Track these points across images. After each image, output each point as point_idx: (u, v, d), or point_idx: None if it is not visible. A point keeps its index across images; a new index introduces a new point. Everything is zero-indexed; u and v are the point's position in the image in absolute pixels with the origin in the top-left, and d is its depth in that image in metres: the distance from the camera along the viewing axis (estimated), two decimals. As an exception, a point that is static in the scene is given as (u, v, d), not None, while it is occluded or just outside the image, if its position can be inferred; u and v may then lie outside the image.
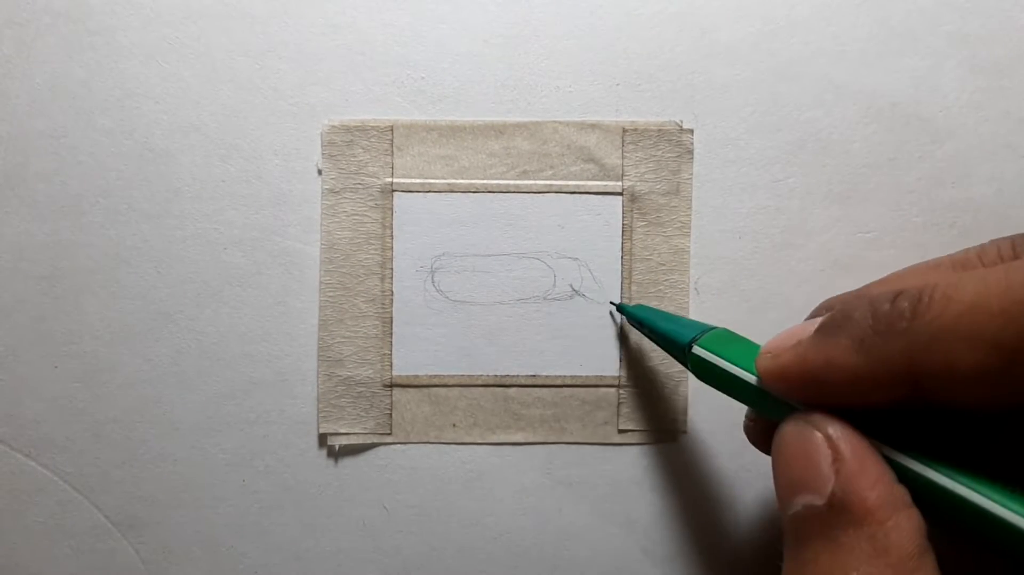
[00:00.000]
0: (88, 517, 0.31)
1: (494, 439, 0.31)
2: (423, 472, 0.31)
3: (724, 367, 0.24)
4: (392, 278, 0.31)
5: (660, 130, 0.31)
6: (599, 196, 0.31)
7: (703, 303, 0.31)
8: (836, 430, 0.20)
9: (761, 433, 0.26)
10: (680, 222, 0.31)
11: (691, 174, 0.31)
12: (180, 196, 0.31)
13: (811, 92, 0.31)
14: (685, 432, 0.31)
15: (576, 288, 0.31)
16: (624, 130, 0.31)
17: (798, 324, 0.22)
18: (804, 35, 0.31)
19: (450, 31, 0.31)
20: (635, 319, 0.30)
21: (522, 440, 0.31)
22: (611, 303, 0.31)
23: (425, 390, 0.31)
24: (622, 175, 0.31)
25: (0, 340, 0.31)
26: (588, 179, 0.31)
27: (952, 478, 0.18)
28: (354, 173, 0.31)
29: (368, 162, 0.31)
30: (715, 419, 0.31)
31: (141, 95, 0.31)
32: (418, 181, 0.31)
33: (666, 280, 0.31)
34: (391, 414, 0.31)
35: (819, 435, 0.20)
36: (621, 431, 0.31)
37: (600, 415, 0.31)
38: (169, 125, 0.31)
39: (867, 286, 0.25)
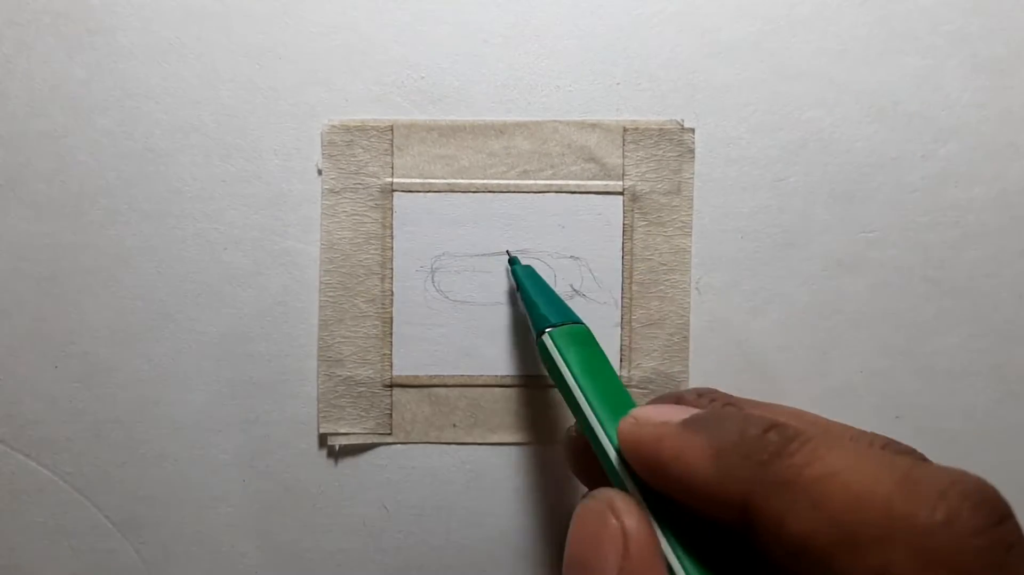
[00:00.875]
0: (88, 517, 0.31)
1: (494, 439, 0.31)
2: (423, 472, 0.31)
3: (562, 370, 0.24)
4: (392, 278, 0.31)
5: (661, 129, 0.31)
6: (600, 196, 0.31)
7: (704, 303, 0.31)
8: (633, 524, 0.19)
9: (577, 455, 0.26)
10: (681, 222, 0.31)
11: (692, 173, 0.31)
12: (180, 196, 0.31)
13: (812, 91, 0.31)
14: (686, 432, 0.31)
15: (576, 288, 0.31)
16: (625, 129, 0.31)
17: (675, 406, 0.22)
18: (805, 34, 0.31)
19: (450, 31, 0.31)
20: (516, 280, 0.30)
21: (521, 440, 0.31)
22: (507, 251, 0.31)
23: (425, 390, 0.31)
24: (623, 175, 0.31)
25: (0, 340, 0.31)
26: (589, 179, 0.31)
27: None
28: (354, 173, 0.31)
29: (368, 162, 0.31)
30: (716, 419, 0.31)
31: (141, 95, 0.31)
32: (418, 181, 0.31)
33: (667, 280, 0.31)
34: (391, 414, 0.31)
35: (615, 524, 0.19)
36: (622, 431, 0.31)
37: (601, 415, 0.31)
38: (169, 125, 0.31)
39: (759, 405, 0.24)
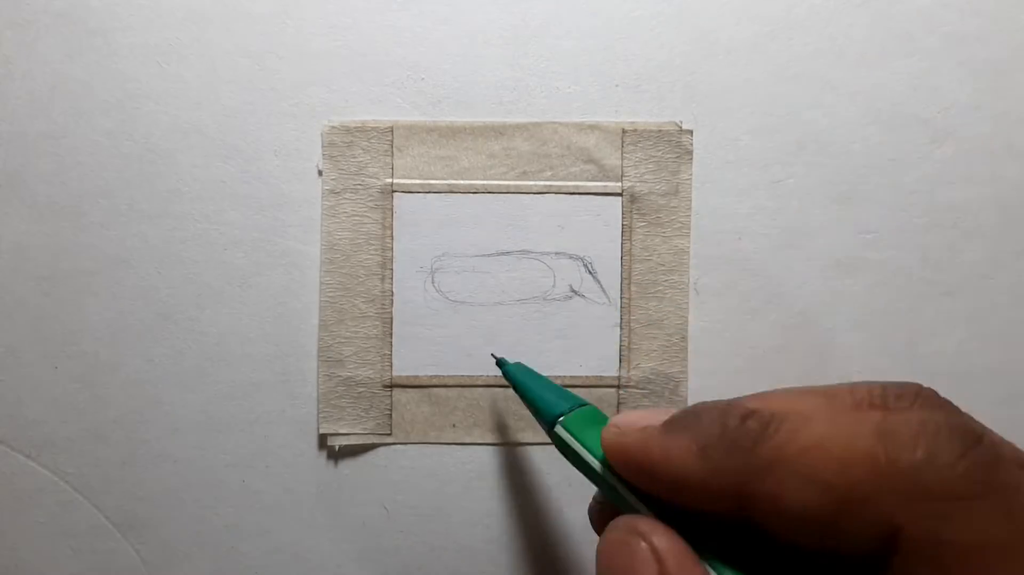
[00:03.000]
0: (88, 517, 0.31)
1: (494, 439, 0.31)
2: (423, 472, 0.31)
3: (579, 451, 0.23)
4: (392, 278, 0.31)
5: (659, 131, 0.31)
6: (599, 197, 0.31)
7: (703, 304, 0.31)
8: (662, 541, 0.19)
9: (604, 520, 0.26)
10: (680, 222, 0.31)
11: (690, 175, 0.32)
12: (180, 197, 0.31)
13: (810, 93, 0.31)
14: (685, 432, 0.31)
15: (576, 288, 0.31)
16: (624, 131, 0.31)
17: (652, 410, 0.22)
18: (803, 36, 0.31)
19: (450, 32, 0.31)
20: (511, 380, 0.28)
21: (522, 440, 0.31)
22: (492, 355, 0.30)
23: (425, 390, 0.31)
24: (622, 176, 0.31)
25: (0, 340, 0.31)
26: (588, 180, 0.31)
27: None
28: (354, 174, 0.31)
29: (368, 163, 0.31)
30: (715, 419, 0.31)
31: (141, 96, 0.31)
32: (418, 182, 0.31)
33: (665, 280, 0.31)
34: (391, 414, 0.31)
35: (644, 546, 0.19)
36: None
37: (600, 415, 0.31)
38: (169, 126, 0.31)
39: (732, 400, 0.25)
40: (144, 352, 0.31)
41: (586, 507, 0.30)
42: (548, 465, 0.31)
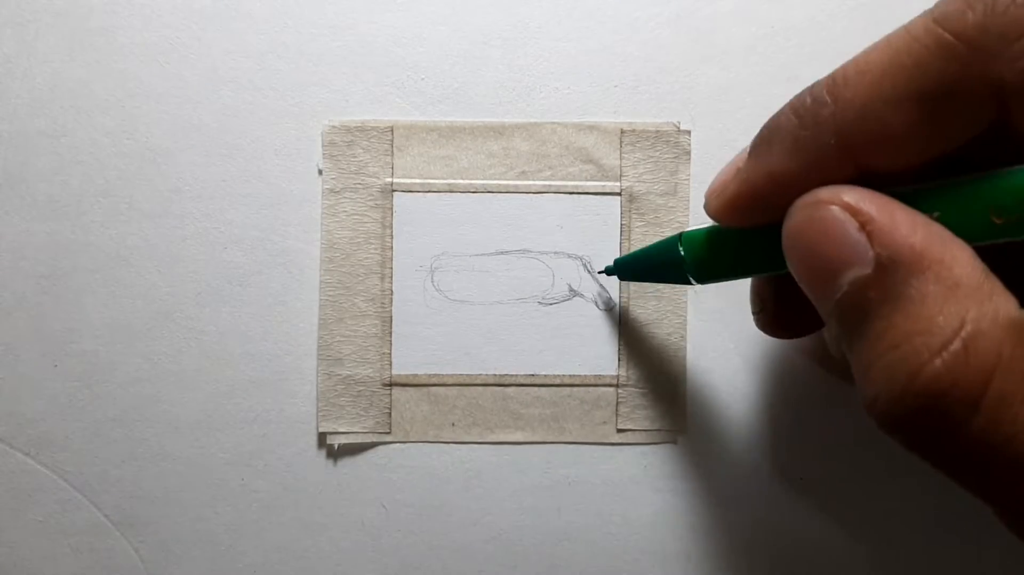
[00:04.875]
0: (88, 516, 0.31)
1: (493, 439, 0.31)
2: (422, 471, 0.31)
3: (717, 238, 0.23)
4: (392, 278, 0.31)
5: (658, 131, 0.32)
6: (597, 196, 0.32)
7: (702, 303, 0.32)
8: (849, 194, 0.18)
9: (772, 319, 0.26)
10: (677, 222, 0.32)
11: (688, 175, 0.32)
12: (180, 196, 0.31)
13: (808, 94, 0.32)
14: (684, 432, 0.32)
15: (575, 288, 0.32)
16: (622, 131, 0.32)
17: (723, 167, 0.22)
18: (800, 38, 0.32)
19: (450, 32, 0.31)
20: (627, 267, 0.29)
21: (521, 439, 0.31)
22: (599, 272, 0.31)
23: (424, 389, 0.31)
24: (620, 176, 0.32)
25: (0, 339, 0.31)
26: (586, 179, 0.32)
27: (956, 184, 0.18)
28: (354, 173, 0.31)
29: (368, 162, 0.31)
30: (715, 419, 0.31)
31: (142, 95, 0.31)
32: (418, 181, 0.31)
33: (664, 280, 0.32)
34: (390, 413, 0.31)
35: (834, 208, 0.18)
36: (620, 431, 0.31)
37: (599, 415, 0.31)
38: (169, 125, 0.31)
39: None
40: (144, 351, 0.31)
41: (585, 507, 0.30)
42: (548, 465, 0.31)
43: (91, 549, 0.31)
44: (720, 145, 0.32)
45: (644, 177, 0.32)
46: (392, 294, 0.31)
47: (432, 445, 0.31)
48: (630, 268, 0.29)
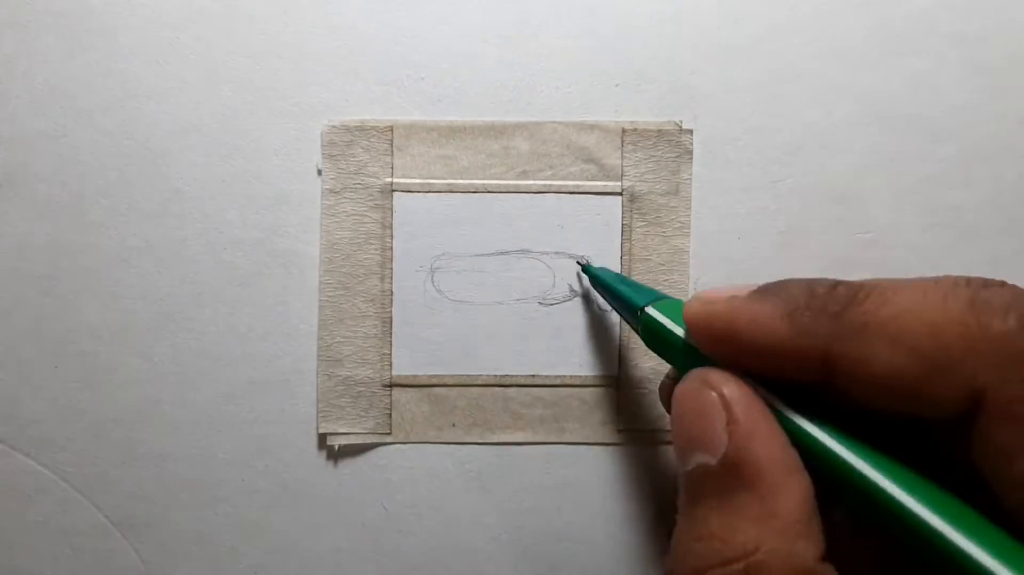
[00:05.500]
0: (88, 517, 0.31)
1: (493, 439, 0.31)
2: (423, 472, 0.31)
3: (670, 328, 0.24)
4: (392, 278, 0.31)
5: (659, 130, 0.31)
6: (598, 196, 0.31)
7: (703, 303, 0.31)
8: (731, 390, 0.20)
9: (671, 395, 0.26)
10: (679, 222, 0.31)
11: (690, 174, 0.32)
12: (180, 196, 0.31)
13: (810, 92, 0.31)
14: (684, 432, 0.31)
15: (575, 288, 0.31)
16: (623, 130, 0.31)
17: (734, 285, 0.22)
18: (803, 36, 0.31)
19: (450, 31, 0.31)
20: (597, 281, 0.30)
21: (521, 440, 0.31)
22: (577, 262, 0.31)
23: (425, 390, 0.31)
24: (621, 175, 0.31)
25: (0, 340, 0.31)
26: (587, 179, 0.31)
27: (840, 442, 0.18)
28: (354, 173, 0.31)
29: (368, 162, 0.31)
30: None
31: (141, 95, 0.31)
32: (418, 181, 0.31)
33: (665, 280, 0.31)
34: (391, 414, 0.31)
35: (714, 395, 0.20)
36: (620, 431, 0.31)
37: (599, 415, 0.31)
38: (169, 125, 0.31)
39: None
40: (144, 351, 0.31)
41: (586, 507, 0.30)
42: (548, 465, 0.31)
43: (91, 550, 0.31)
44: (722, 144, 0.31)
45: (646, 177, 0.31)
46: (392, 295, 0.31)
47: (432, 446, 0.31)
48: (599, 285, 0.30)
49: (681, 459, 0.20)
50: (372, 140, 0.31)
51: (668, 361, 0.24)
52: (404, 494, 0.31)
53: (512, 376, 0.31)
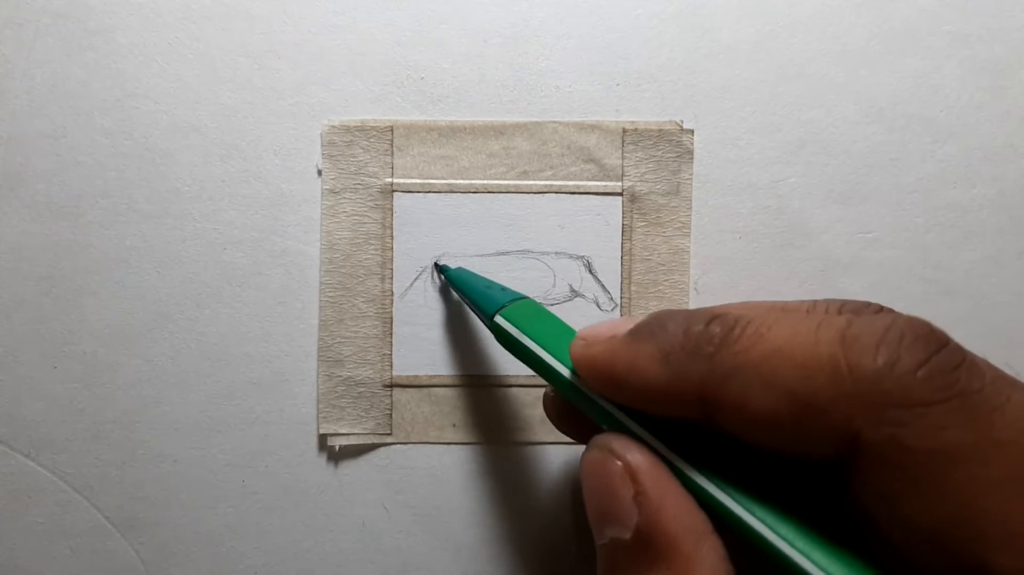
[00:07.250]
0: (88, 517, 0.31)
1: (494, 439, 0.31)
2: (423, 472, 0.31)
3: (524, 342, 0.24)
4: (392, 278, 0.31)
5: (660, 130, 0.31)
6: (599, 196, 0.31)
7: (703, 303, 0.31)
8: (635, 458, 0.19)
9: (557, 410, 0.27)
10: (680, 222, 0.31)
11: (691, 174, 0.31)
12: (180, 196, 0.31)
13: (812, 92, 0.31)
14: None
15: (576, 288, 0.31)
16: (624, 130, 0.31)
17: (619, 319, 0.22)
18: (805, 35, 0.31)
19: (450, 31, 0.31)
20: (453, 284, 0.30)
21: (522, 440, 0.31)
22: (435, 264, 0.31)
23: (425, 390, 0.31)
24: (622, 175, 0.31)
25: (0, 340, 0.31)
26: (588, 179, 0.31)
27: (745, 507, 0.18)
28: (354, 173, 0.31)
29: (368, 162, 0.31)
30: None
31: (141, 95, 0.31)
32: (418, 181, 0.31)
33: (666, 280, 0.31)
34: (391, 414, 0.31)
35: (619, 465, 0.20)
36: (621, 431, 0.31)
37: (600, 415, 0.31)
38: (169, 125, 0.31)
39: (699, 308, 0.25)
40: (143, 352, 0.31)
41: (585, 507, 0.30)
42: (548, 465, 0.31)
43: (91, 551, 0.31)
44: (724, 144, 0.31)
45: (646, 177, 0.31)
46: (392, 295, 0.31)
47: (433, 446, 0.31)
48: (455, 284, 0.30)
49: (595, 533, 0.20)
50: (372, 140, 0.31)
51: (528, 366, 0.24)
52: (405, 495, 0.31)
53: (513, 376, 0.31)
